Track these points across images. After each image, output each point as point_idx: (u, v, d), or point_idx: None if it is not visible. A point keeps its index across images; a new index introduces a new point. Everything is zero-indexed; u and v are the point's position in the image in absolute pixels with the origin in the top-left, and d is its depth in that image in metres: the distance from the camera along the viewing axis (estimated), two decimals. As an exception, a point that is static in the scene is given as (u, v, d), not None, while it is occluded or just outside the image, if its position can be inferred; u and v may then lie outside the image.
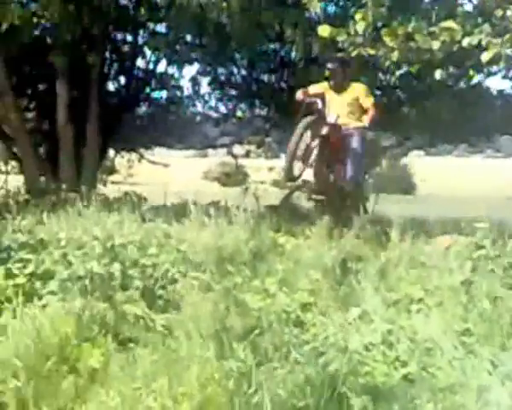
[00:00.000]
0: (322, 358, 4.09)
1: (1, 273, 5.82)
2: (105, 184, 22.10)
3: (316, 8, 11.49)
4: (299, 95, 9.16)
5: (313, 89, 9.57)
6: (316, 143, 9.12)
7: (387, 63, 9.54)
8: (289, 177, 9.16)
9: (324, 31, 9.41)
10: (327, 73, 9.60)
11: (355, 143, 9.43)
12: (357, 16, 9.04)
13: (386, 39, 8.99)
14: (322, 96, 9.37)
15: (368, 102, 9.42)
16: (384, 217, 10.29)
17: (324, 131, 9.08)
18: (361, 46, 9.27)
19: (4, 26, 12.59)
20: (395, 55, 9.09)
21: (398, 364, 4.44)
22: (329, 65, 9.55)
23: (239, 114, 20.36)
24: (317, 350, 4.26)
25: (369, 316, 5.22)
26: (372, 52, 9.28)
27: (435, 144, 24.10)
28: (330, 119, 9.08)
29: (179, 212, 9.17)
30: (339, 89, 9.50)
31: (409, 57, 9.35)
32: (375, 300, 5.50)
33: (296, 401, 3.53)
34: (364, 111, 9.42)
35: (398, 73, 15.00)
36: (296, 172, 9.06)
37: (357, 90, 9.54)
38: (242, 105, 20.18)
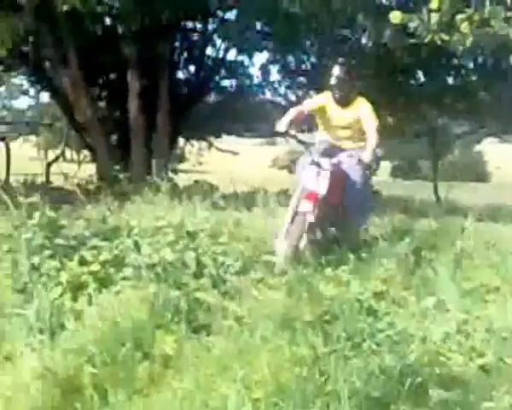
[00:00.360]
0: (398, 347, 4.06)
1: (75, 260, 5.94)
2: (175, 173, 22.37)
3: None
4: (280, 126, 7.14)
5: (311, 103, 7.90)
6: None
7: (461, 48, 9.36)
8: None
9: (395, 17, 9.29)
10: (332, 80, 7.59)
11: (358, 184, 7.34)
12: (433, 4, 8.90)
13: (461, 25, 8.83)
14: (321, 110, 7.65)
15: (371, 124, 7.43)
16: (457, 205, 10.15)
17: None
18: (434, 32, 9.12)
19: (65, 8, 12.67)
20: (469, 41, 8.93)
21: (475, 354, 4.37)
22: (335, 70, 7.61)
23: (309, 101, 20.27)
24: (392, 339, 4.22)
25: (445, 305, 5.16)
26: (446, 38, 9.13)
27: (510, 131, 23.66)
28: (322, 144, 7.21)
29: (248, 200, 9.21)
30: (342, 102, 7.58)
31: (483, 43, 9.18)
32: (450, 289, 5.42)
33: (372, 390, 3.51)
34: (364, 133, 7.50)
35: (472, 58, 14.84)
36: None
37: (362, 108, 7.58)
38: (312, 92, 20.15)
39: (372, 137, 7.24)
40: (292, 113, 7.30)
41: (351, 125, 7.56)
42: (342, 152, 7.48)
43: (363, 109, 7.53)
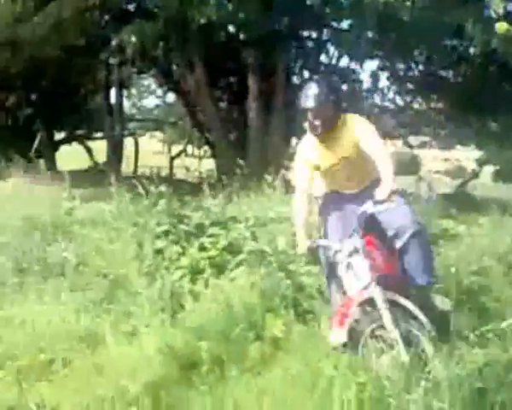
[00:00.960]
0: (501, 341, 3.90)
1: (195, 247, 6.04)
2: (288, 170, 22.42)
3: (498, 8, 11.01)
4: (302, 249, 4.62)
5: (304, 176, 4.95)
6: None
7: None
8: None
9: (502, 27, 9.00)
10: (306, 102, 4.76)
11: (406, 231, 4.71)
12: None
13: None
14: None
15: (377, 146, 4.71)
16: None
17: None
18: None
19: (202, 21, 12.96)
20: None
21: None
22: (310, 90, 4.82)
23: (415, 106, 20.11)
24: (495, 334, 4.06)
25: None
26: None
27: None
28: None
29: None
30: (327, 137, 4.82)
31: None
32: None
33: (474, 381, 3.39)
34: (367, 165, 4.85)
35: None
36: None
37: (357, 129, 4.79)
38: (419, 98, 19.90)
39: (384, 164, 4.56)
40: (301, 219, 4.83)
41: (348, 161, 4.82)
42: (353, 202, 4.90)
43: (358, 131, 4.77)
